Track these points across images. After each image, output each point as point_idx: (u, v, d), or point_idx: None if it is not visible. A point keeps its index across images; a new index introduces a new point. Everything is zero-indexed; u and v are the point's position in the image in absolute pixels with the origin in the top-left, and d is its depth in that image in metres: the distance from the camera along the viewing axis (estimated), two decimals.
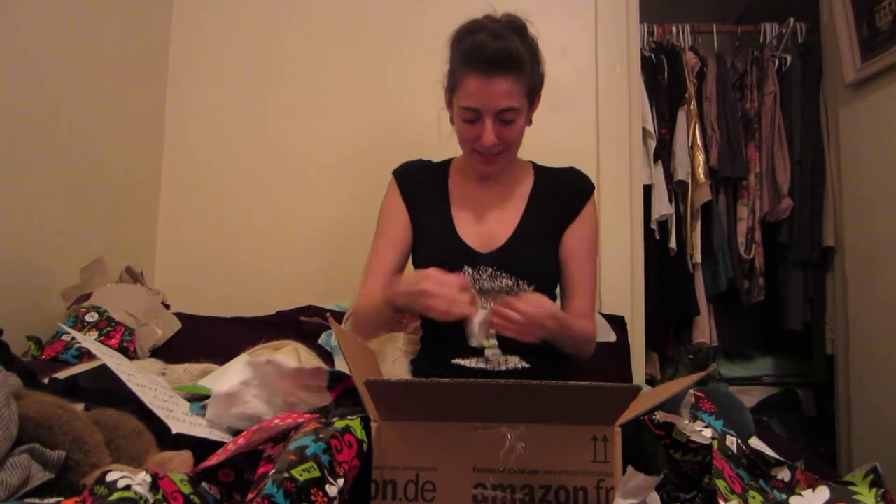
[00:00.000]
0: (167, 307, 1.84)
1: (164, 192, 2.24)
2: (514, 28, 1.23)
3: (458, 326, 1.24)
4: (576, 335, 1.24)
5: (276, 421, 0.73)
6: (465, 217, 1.36)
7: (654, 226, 2.38)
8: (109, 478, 0.56)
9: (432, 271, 1.10)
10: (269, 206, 2.23)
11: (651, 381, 2.58)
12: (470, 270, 1.29)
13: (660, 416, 0.69)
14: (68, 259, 1.72)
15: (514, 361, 1.28)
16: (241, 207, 2.23)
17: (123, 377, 0.87)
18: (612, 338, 1.94)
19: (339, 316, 1.96)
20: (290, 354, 1.61)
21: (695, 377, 0.72)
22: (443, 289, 1.07)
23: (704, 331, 2.48)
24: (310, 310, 2.07)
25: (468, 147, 1.29)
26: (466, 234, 1.33)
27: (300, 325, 1.97)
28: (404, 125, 2.17)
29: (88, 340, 1.01)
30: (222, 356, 1.60)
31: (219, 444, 0.80)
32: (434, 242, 1.34)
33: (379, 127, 2.22)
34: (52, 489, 0.62)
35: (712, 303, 2.51)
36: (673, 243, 2.40)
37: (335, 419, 0.68)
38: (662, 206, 2.36)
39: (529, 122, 1.33)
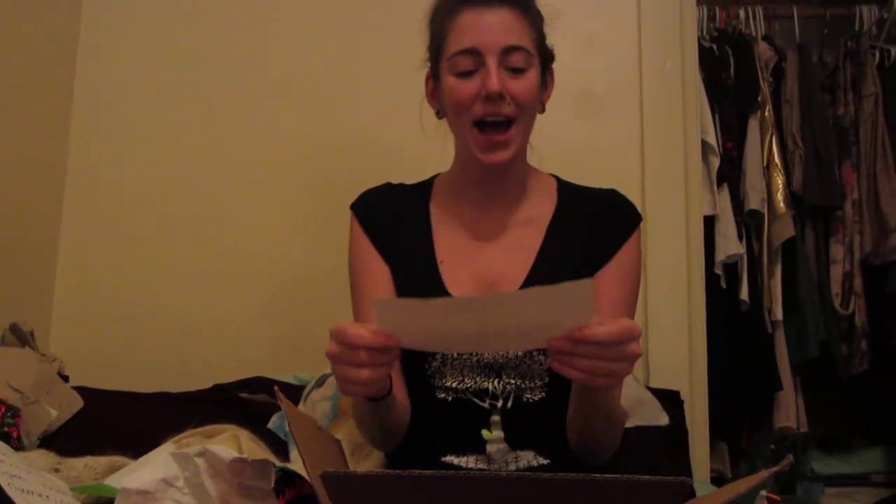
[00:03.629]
0: (65, 379, 1.83)
1: (66, 221, 2.25)
2: None
3: (455, 410, 1.24)
4: (615, 408, 1.23)
5: None
6: (455, 261, 1.34)
7: (718, 270, 2.39)
8: None
9: (344, 324, 0.99)
10: (203, 241, 2.24)
11: (719, 480, 2.56)
12: None
13: None
14: None
15: (527, 458, 1.25)
16: (166, 242, 2.24)
17: (2, 482, 0.87)
18: (663, 420, 1.94)
19: (296, 392, 1.97)
20: (229, 442, 1.61)
21: (765, 473, 0.72)
22: (342, 350, 0.98)
23: (789, 412, 2.48)
24: (257, 382, 2.07)
25: (465, 116, 1.27)
26: (456, 285, 1.31)
27: (243, 404, 1.97)
28: (375, 129, 2.20)
29: None
30: (137, 445, 1.59)
31: None
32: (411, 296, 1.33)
33: (343, 133, 2.23)
34: None
35: (799, 374, 2.50)
36: (745, 294, 2.41)
37: None
38: (730, 244, 2.38)
39: (542, 108, 1.35)
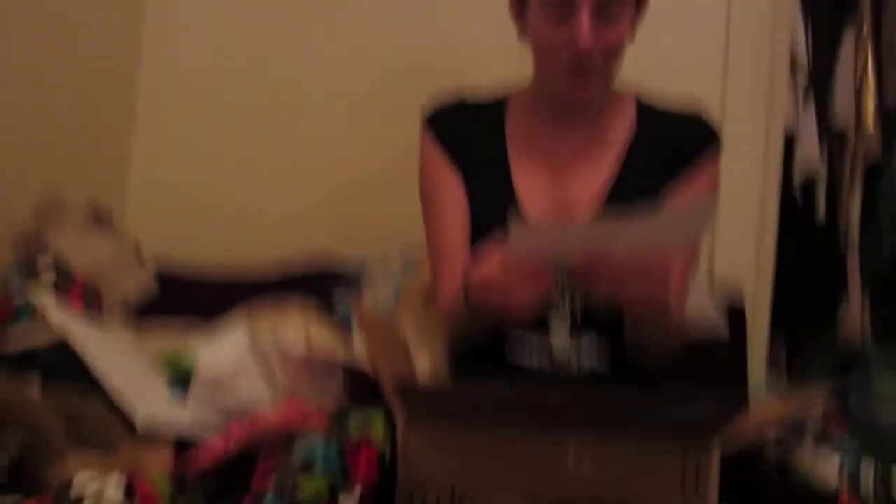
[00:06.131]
0: (141, 258, 1.91)
1: (141, 111, 2.31)
2: None
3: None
4: (672, 327, 1.24)
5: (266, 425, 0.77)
6: (532, 180, 1.33)
7: (796, 190, 2.34)
8: (77, 482, 0.61)
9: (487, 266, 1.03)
10: (270, 131, 2.29)
11: (775, 389, 2.56)
12: None
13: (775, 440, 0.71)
14: (15, 194, 1.80)
15: (589, 358, 1.29)
16: (235, 131, 2.29)
17: (88, 359, 0.93)
18: (724, 335, 1.94)
19: (364, 267, 2.01)
20: (298, 324, 1.67)
21: (824, 392, 0.73)
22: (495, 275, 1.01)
23: (854, 327, 2.45)
24: (322, 260, 2.12)
25: (553, 59, 1.25)
26: (534, 205, 1.30)
27: (308, 282, 2.03)
28: (444, 33, 2.18)
29: (45, 302, 1.08)
30: (209, 324, 1.68)
31: None
32: (487, 219, 1.30)
33: (408, 38, 2.22)
34: (9, 485, 0.69)
35: (869, 293, 2.46)
36: (821, 215, 2.36)
37: (350, 422, 0.72)
38: (811, 163, 2.31)
39: (632, 36, 1.31)
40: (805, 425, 0.77)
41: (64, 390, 0.94)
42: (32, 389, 0.95)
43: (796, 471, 0.66)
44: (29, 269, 1.61)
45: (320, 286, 1.96)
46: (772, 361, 2.34)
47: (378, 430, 0.73)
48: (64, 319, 1.05)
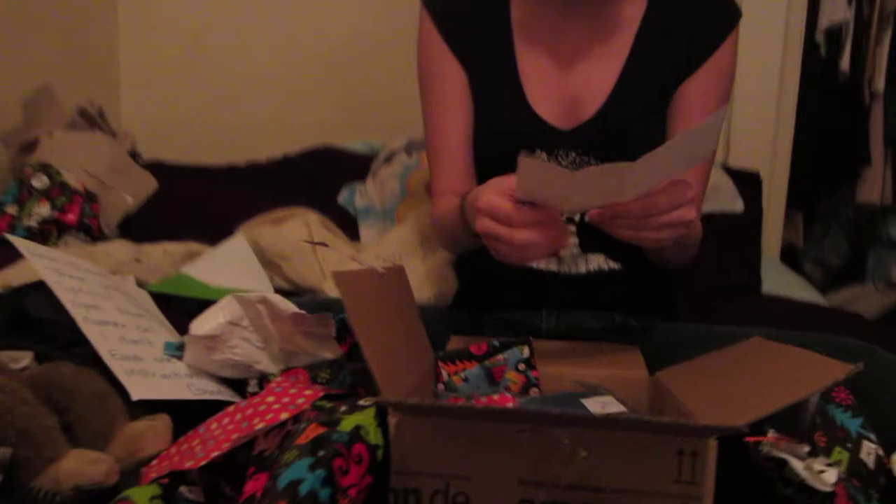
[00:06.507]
0: (137, 157, 1.87)
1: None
2: None
3: None
4: (691, 238, 1.20)
5: (260, 422, 0.77)
6: (537, 72, 1.25)
7: (819, 38, 2.23)
8: None
9: (489, 190, 0.94)
10: (269, 13, 2.20)
11: (790, 250, 2.56)
12: (544, 156, 1.24)
13: (770, 437, 0.69)
14: (4, 87, 1.74)
15: (598, 261, 1.27)
16: (233, 13, 2.20)
17: (79, 320, 0.92)
18: (738, 207, 1.91)
19: (366, 162, 1.97)
20: (299, 229, 1.66)
21: (831, 379, 0.70)
22: (501, 229, 0.93)
23: (874, 185, 2.41)
24: (326, 153, 2.09)
25: None
26: (540, 99, 1.24)
27: (313, 176, 2.00)
28: None
29: (30, 250, 1.05)
30: (211, 227, 1.67)
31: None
32: (491, 115, 1.26)
33: None
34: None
35: (892, 146, 2.39)
36: (846, 63, 2.26)
37: (342, 416, 0.72)
38: (837, 8, 2.19)
39: None
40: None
41: (59, 359, 0.93)
42: (24, 359, 0.94)
43: (788, 476, 0.65)
44: (22, 182, 1.57)
45: (325, 180, 1.93)
46: (788, 224, 2.34)
47: (370, 426, 0.73)
48: (48, 270, 1.02)
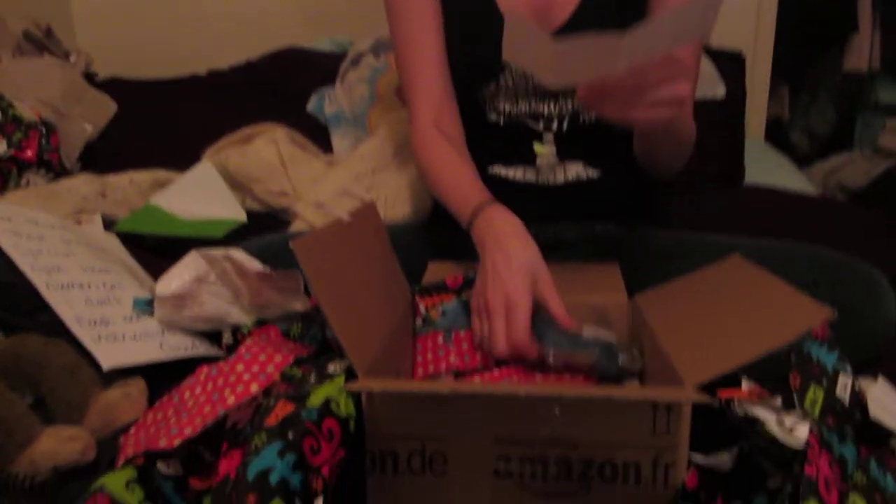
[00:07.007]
0: (93, 78, 1.79)
1: None
2: None
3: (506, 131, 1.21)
4: (684, 130, 1.16)
5: (231, 394, 0.76)
6: None
7: None
8: None
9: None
10: None
11: (776, 124, 2.52)
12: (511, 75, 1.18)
13: (743, 390, 0.69)
14: None
15: (576, 170, 1.24)
16: None
17: (40, 286, 0.90)
18: (720, 92, 1.85)
19: (335, 61, 1.89)
20: (267, 148, 1.61)
21: (807, 326, 0.69)
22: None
23: (862, 53, 2.35)
24: (290, 55, 2.01)
25: None
26: (511, 4, 1.19)
27: (279, 83, 1.93)
28: None
29: None
30: (177, 150, 1.62)
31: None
32: (461, 21, 1.20)
33: None
34: None
35: (879, 11, 2.31)
36: None
37: (310, 390, 0.71)
38: None
39: None
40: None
41: (24, 328, 0.92)
42: None
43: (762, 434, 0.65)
44: None
45: (292, 86, 1.86)
46: (773, 97, 2.28)
47: (340, 399, 0.72)
48: (4, 228, 0.99)
